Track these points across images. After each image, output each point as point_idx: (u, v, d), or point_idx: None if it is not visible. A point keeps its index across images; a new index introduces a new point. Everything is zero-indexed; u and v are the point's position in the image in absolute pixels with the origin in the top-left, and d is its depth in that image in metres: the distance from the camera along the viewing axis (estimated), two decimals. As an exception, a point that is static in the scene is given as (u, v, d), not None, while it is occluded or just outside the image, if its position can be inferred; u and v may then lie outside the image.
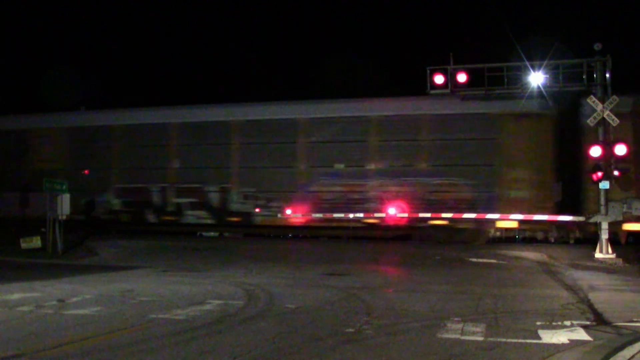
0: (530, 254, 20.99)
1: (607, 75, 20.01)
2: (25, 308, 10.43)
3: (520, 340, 8.00)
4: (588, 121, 19.94)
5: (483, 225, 24.81)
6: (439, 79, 21.14)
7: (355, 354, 7.40)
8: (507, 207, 24.27)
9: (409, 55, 51.26)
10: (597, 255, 19.51)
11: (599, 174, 19.58)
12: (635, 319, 9.52)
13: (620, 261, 18.97)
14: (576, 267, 18.14)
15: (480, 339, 8.12)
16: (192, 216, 27.73)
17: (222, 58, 57.54)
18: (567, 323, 9.16)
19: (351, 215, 25.54)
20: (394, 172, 25.83)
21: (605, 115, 19.56)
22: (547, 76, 20.74)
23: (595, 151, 19.65)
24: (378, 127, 26.30)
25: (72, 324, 9.13)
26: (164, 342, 7.92)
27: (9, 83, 48.54)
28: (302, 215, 26.17)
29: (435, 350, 7.51)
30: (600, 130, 19.96)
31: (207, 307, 10.63)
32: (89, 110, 31.45)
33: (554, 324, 9.12)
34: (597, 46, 19.93)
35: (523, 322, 9.28)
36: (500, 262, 19.29)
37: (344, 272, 16.39)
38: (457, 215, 24.66)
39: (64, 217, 22.22)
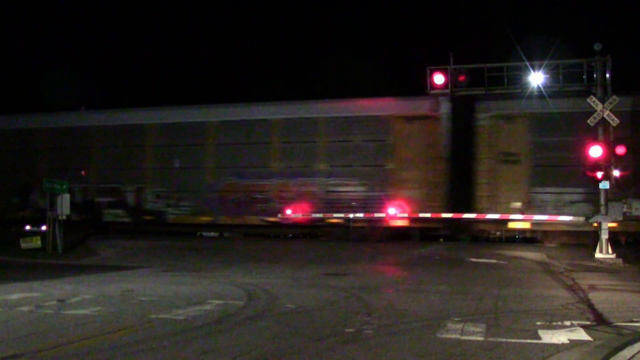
0: (530, 254, 20.99)
1: (607, 75, 20.02)
2: (25, 308, 10.43)
3: (520, 340, 8.00)
4: (588, 121, 19.91)
5: (376, 223, 25.91)
6: (439, 79, 21.16)
7: (355, 354, 7.40)
8: (398, 206, 25.54)
9: (409, 55, 51.28)
10: (597, 255, 19.52)
11: (599, 174, 19.58)
12: (635, 319, 9.51)
13: (620, 261, 18.98)
14: (576, 267, 18.13)
15: (480, 339, 8.12)
16: (110, 214, 29.24)
17: (222, 58, 57.55)
18: (567, 323, 9.16)
19: (255, 216, 27.25)
20: (294, 172, 27.19)
21: (605, 115, 19.56)
22: (547, 76, 20.75)
23: (596, 151, 19.65)
24: (280, 130, 27.68)
25: (72, 324, 9.13)
26: (164, 342, 7.92)
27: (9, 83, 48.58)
28: (210, 215, 27.89)
29: (435, 350, 7.51)
30: (600, 130, 19.96)
31: (207, 307, 10.62)
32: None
33: (554, 324, 9.12)
34: (597, 46, 19.93)
35: (523, 322, 9.28)
36: (500, 262, 19.28)
37: (344, 272, 16.38)
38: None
39: (64, 217, 22.24)
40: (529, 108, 24.72)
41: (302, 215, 26.48)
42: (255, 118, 28.08)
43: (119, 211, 28.80)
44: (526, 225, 25.04)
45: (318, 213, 26.43)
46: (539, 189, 24.80)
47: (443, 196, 25.61)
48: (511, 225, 25.03)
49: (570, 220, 23.15)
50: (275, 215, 26.93)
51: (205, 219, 28.23)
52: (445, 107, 25.74)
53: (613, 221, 20.82)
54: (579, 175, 23.16)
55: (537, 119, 24.86)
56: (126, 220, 29.21)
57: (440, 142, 25.77)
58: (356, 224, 26.04)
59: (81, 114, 31.34)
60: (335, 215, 26.15)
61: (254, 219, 27.44)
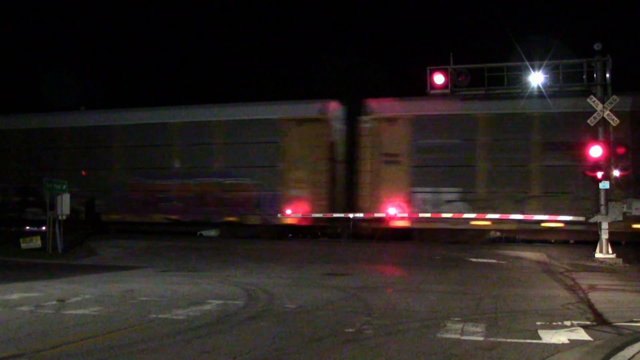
0: (530, 254, 20.98)
1: (607, 75, 20.01)
2: (25, 308, 10.44)
3: (520, 340, 8.00)
4: (588, 121, 19.91)
5: (268, 220, 27.50)
6: (439, 79, 21.16)
7: (355, 354, 7.40)
8: (289, 206, 27.03)
9: (409, 55, 51.27)
10: (597, 255, 19.51)
11: (599, 173, 19.57)
12: (635, 319, 9.51)
13: (620, 261, 18.98)
14: (576, 267, 18.14)
15: (480, 339, 8.12)
16: (31, 213, 30.43)
17: (222, 58, 57.55)
18: (567, 323, 9.16)
19: (158, 214, 28.63)
20: (193, 173, 28.72)
21: (605, 115, 19.54)
22: (547, 76, 20.74)
23: (596, 151, 19.64)
24: (180, 132, 29.24)
25: (72, 324, 9.13)
26: (164, 342, 7.92)
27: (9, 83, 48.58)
28: (119, 213, 29.37)
29: (435, 350, 7.51)
30: (600, 130, 19.95)
31: (207, 307, 10.62)
32: None
33: (554, 324, 9.12)
34: (597, 46, 19.92)
35: (523, 322, 9.28)
36: (500, 262, 19.28)
37: (344, 272, 16.38)
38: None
39: (64, 217, 22.24)
40: (409, 111, 26.30)
41: (203, 214, 28.36)
42: (157, 122, 29.80)
43: (37, 209, 29.35)
44: (405, 223, 26.39)
45: (215, 212, 28.24)
46: (419, 189, 26.00)
47: (329, 195, 27.10)
48: (393, 223, 26.38)
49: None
50: (177, 213, 28.54)
51: (115, 217, 29.58)
52: (334, 110, 27.39)
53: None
54: (456, 175, 25.42)
55: (418, 121, 26.14)
56: (44, 218, 29.69)
57: (327, 143, 27.22)
58: (251, 222, 27.73)
59: (2, 118, 32.98)
60: (229, 215, 28.11)
61: (158, 217, 28.69)
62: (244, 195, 27.85)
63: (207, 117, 29.13)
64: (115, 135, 30.21)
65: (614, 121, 19.55)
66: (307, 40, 56.76)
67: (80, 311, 10.16)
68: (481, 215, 24.66)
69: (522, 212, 24.35)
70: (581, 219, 22.01)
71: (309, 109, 27.43)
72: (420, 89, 22.47)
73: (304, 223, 27.49)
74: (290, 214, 26.81)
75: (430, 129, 25.97)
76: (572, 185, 23.95)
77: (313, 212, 26.03)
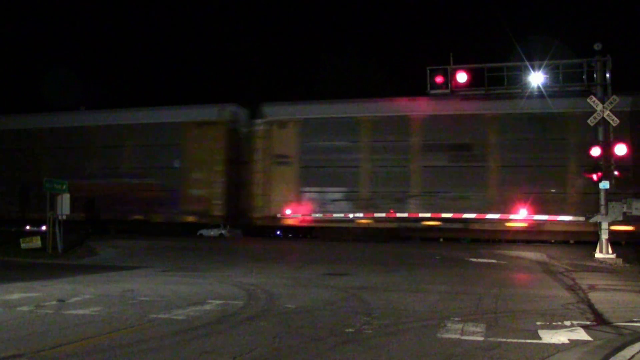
0: (530, 254, 20.99)
1: (607, 75, 20.00)
2: (25, 308, 10.43)
3: (520, 340, 7.99)
4: (588, 121, 19.91)
5: (172, 219, 29.45)
6: (439, 79, 21.15)
7: (355, 354, 7.39)
8: (188, 204, 29.17)
9: (409, 55, 51.28)
10: (597, 255, 19.51)
11: (599, 173, 19.56)
12: (635, 319, 9.51)
13: (620, 261, 18.97)
14: (576, 267, 18.13)
15: (480, 339, 8.12)
16: None
17: (222, 58, 57.55)
18: (567, 323, 9.16)
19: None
20: (105, 174, 30.85)
21: (605, 115, 19.54)
22: (547, 76, 20.74)
23: (595, 151, 19.63)
24: (95, 135, 31.35)
25: (72, 324, 9.13)
26: (164, 342, 7.91)
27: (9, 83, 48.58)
28: (36, 212, 30.07)
29: (435, 350, 7.50)
30: (600, 130, 19.94)
31: (207, 307, 10.62)
32: None
33: (554, 324, 9.12)
34: (597, 46, 19.91)
35: (523, 322, 9.28)
36: (500, 262, 19.28)
37: (344, 272, 16.38)
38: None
39: (64, 217, 22.21)
40: (299, 114, 28.23)
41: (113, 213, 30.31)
42: (76, 125, 31.81)
43: None
44: (295, 221, 28.41)
45: (124, 211, 30.05)
46: (307, 189, 28.04)
47: (226, 195, 29.08)
48: (286, 221, 28.51)
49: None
50: (88, 212, 30.32)
51: (31, 215, 31.01)
52: (230, 114, 29.31)
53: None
54: (341, 176, 27.28)
55: (306, 124, 28.01)
56: None
57: (224, 145, 29.24)
58: (155, 220, 29.61)
59: None
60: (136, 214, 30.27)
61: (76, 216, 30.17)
62: (149, 195, 29.73)
63: (119, 120, 31.06)
64: (39, 138, 32.39)
65: (614, 121, 19.55)
66: (307, 41, 56.78)
67: (80, 311, 10.15)
68: (481, 215, 24.79)
69: (405, 211, 26.43)
70: (581, 219, 22.03)
71: (207, 112, 29.42)
72: (314, 91, 24.55)
73: (203, 221, 29.44)
74: (190, 213, 29.12)
75: (317, 131, 27.84)
76: (449, 184, 26.11)
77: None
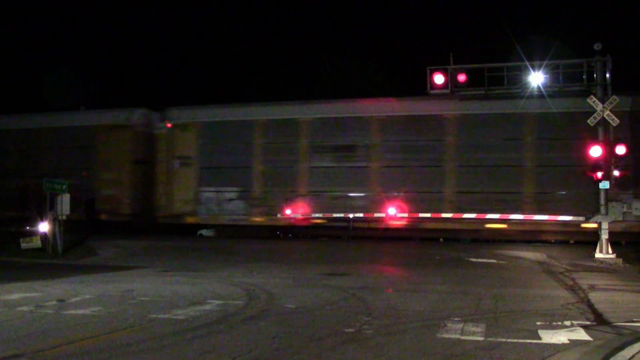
0: (530, 254, 20.98)
1: (607, 75, 19.99)
2: (25, 308, 10.43)
3: (520, 340, 8.00)
4: (588, 121, 19.90)
5: (89, 216, 30.42)
6: (439, 79, 21.16)
7: (355, 354, 7.40)
8: (101, 203, 30.57)
9: (409, 55, 51.27)
10: (597, 255, 19.50)
11: (599, 173, 19.56)
12: (635, 319, 9.51)
13: (620, 261, 18.97)
14: (576, 267, 18.13)
15: (480, 339, 8.12)
16: None
17: (222, 58, 57.54)
18: (567, 323, 9.16)
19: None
20: (26, 174, 31.63)
21: (605, 115, 19.53)
22: (547, 76, 20.73)
23: (596, 151, 19.63)
24: (15, 138, 33.02)
25: (72, 324, 9.13)
26: (164, 342, 7.91)
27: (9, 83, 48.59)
28: None
29: (435, 350, 7.51)
30: (600, 130, 19.93)
31: (207, 307, 10.62)
32: None
33: (554, 324, 9.12)
34: (597, 46, 19.91)
35: (523, 322, 9.28)
36: (500, 262, 19.28)
37: (344, 272, 16.38)
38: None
39: (64, 217, 22.19)
40: (199, 118, 29.81)
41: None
42: (28, 127, 33.14)
43: None
44: (196, 220, 29.80)
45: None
46: (205, 188, 29.45)
47: (133, 194, 30.56)
48: (187, 220, 29.91)
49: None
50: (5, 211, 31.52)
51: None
52: (138, 117, 30.76)
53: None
54: (236, 176, 28.78)
55: (205, 127, 29.66)
56: None
57: (131, 147, 30.74)
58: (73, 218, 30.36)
59: None
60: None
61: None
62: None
63: (40, 124, 32.69)
64: (11, 139, 33.55)
65: (614, 121, 19.54)
66: (307, 41, 56.78)
67: (80, 311, 10.15)
68: (481, 215, 24.88)
69: (292, 209, 27.61)
70: (581, 219, 22.05)
71: (116, 116, 31.06)
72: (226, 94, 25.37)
73: (114, 219, 30.81)
74: (103, 212, 30.60)
75: (215, 134, 29.42)
76: (334, 184, 27.38)
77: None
